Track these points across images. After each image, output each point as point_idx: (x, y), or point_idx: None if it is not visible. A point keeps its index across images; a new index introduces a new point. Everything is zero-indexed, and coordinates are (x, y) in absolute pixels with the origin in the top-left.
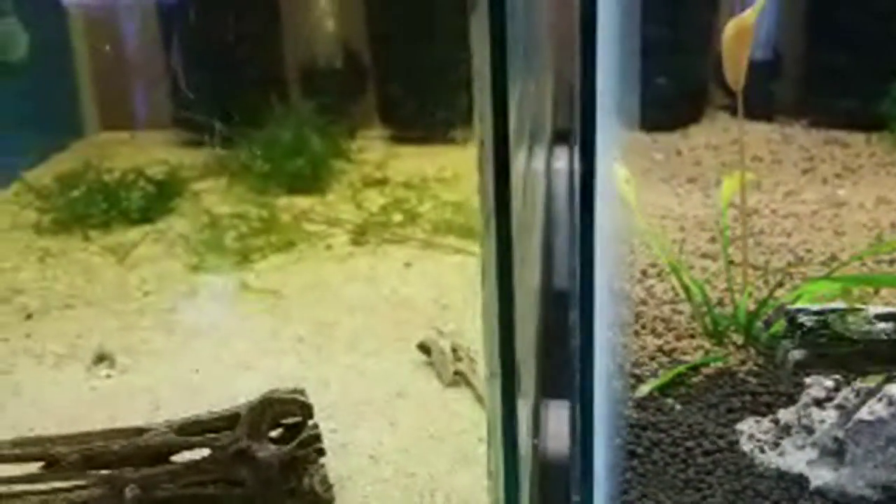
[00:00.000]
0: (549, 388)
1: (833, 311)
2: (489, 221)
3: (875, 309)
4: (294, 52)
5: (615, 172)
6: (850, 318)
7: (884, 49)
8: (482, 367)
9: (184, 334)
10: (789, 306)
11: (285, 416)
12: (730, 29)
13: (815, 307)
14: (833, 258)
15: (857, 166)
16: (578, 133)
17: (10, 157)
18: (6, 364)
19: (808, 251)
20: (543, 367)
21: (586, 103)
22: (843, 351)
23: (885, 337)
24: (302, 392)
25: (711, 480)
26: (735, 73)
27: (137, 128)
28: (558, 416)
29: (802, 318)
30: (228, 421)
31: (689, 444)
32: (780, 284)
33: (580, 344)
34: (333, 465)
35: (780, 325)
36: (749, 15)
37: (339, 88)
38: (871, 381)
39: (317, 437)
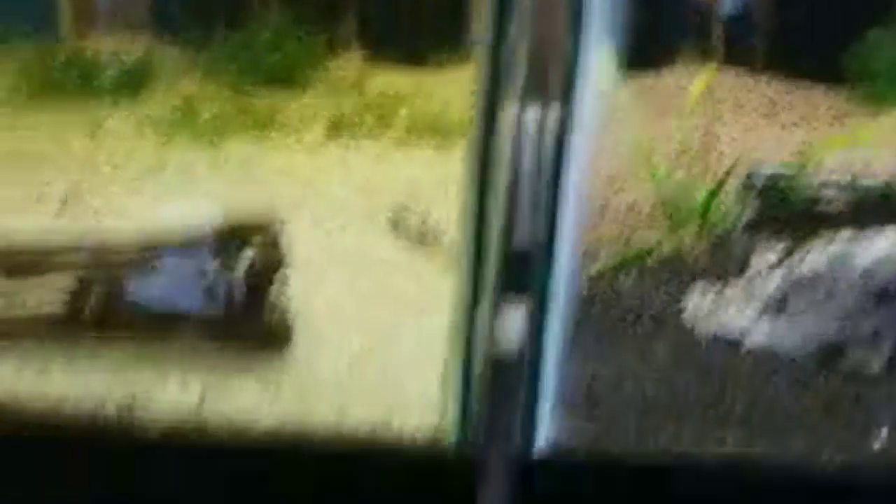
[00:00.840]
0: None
1: (783, 175)
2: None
3: (823, 176)
4: None
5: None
6: (800, 182)
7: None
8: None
9: (148, 199)
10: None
11: (252, 242)
12: None
13: (769, 169)
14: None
15: (815, 117)
16: None
17: None
18: None
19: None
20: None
21: None
22: (790, 212)
23: (830, 201)
24: (270, 220)
25: (656, 344)
26: None
27: (111, 31)
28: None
29: (755, 181)
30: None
31: (631, 316)
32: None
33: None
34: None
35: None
36: None
37: (320, 4)
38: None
39: (281, 263)
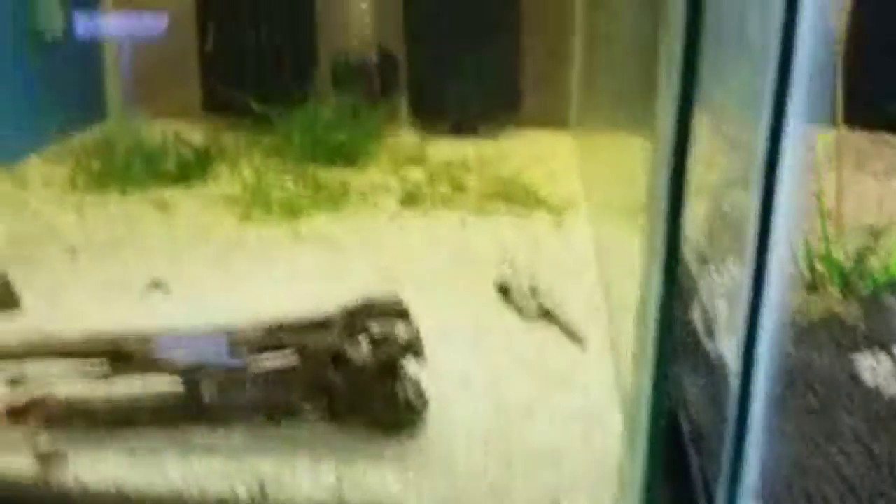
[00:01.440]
0: None
1: None
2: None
3: None
4: (329, 45)
5: None
6: None
7: None
8: (565, 304)
9: (240, 272)
10: None
11: (380, 318)
12: None
13: None
14: None
15: None
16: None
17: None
18: (52, 292)
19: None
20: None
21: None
22: None
23: None
24: (398, 298)
25: (839, 409)
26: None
27: (164, 114)
28: None
29: None
30: (321, 325)
31: (809, 377)
32: (878, 237)
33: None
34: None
35: (880, 278)
36: None
37: (372, 81)
38: None
39: (416, 340)
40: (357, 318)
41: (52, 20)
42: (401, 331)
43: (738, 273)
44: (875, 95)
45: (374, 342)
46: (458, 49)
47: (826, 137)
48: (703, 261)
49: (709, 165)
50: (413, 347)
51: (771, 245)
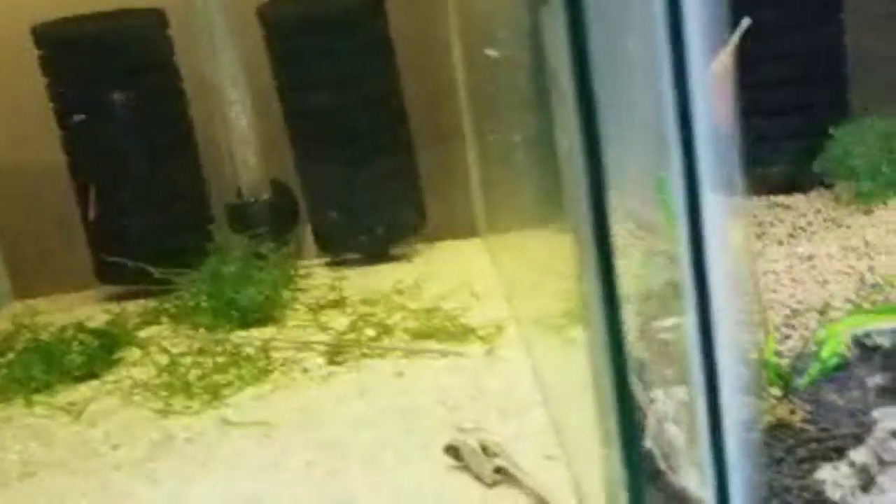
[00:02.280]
0: None
1: None
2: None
3: None
4: (218, 187)
5: None
6: None
7: (808, 110)
8: (521, 460)
9: (172, 482)
10: (854, 332)
11: None
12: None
13: (888, 326)
14: (828, 305)
15: (807, 224)
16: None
17: None
18: None
19: (800, 302)
20: None
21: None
22: None
23: None
24: None
25: None
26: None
27: (56, 292)
28: None
29: (879, 340)
30: None
31: (775, 502)
32: (812, 330)
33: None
34: None
35: (814, 371)
36: (727, 51)
37: (271, 219)
38: None
39: None
40: None
41: None
42: None
43: (684, 392)
44: (757, 160)
45: None
46: (353, 173)
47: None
48: (647, 381)
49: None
50: None
51: (717, 354)
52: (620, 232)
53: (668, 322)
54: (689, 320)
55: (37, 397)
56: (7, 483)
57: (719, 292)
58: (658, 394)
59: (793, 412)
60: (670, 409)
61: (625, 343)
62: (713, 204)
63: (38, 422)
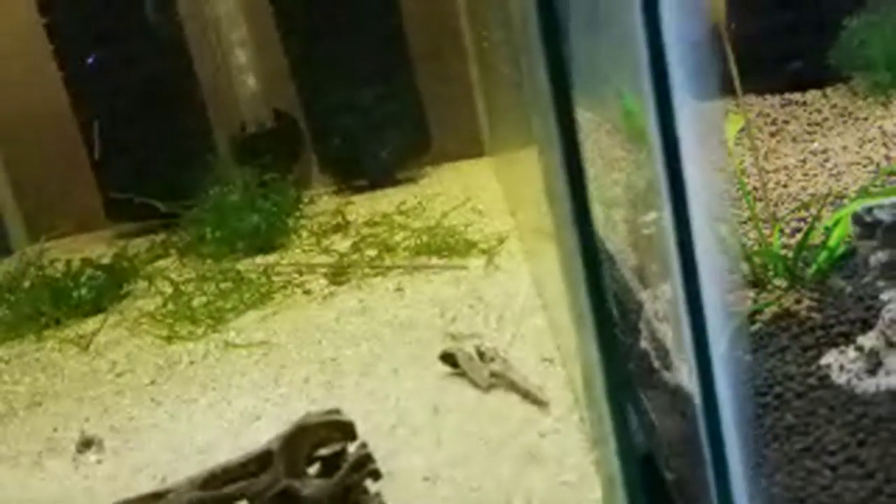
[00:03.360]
0: None
1: None
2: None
3: None
4: (222, 124)
5: None
6: None
7: (821, 1)
8: (519, 365)
9: (173, 403)
10: (856, 211)
11: (324, 442)
12: None
13: (889, 201)
14: (840, 196)
15: (822, 120)
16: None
17: None
18: None
19: (812, 195)
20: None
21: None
22: None
23: None
24: (337, 412)
25: (818, 420)
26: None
27: (68, 233)
28: None
29: (879, 215)
30: (260, 462)
31: (777, 389)
32: (818, 219)
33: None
34: (386, 496)
35: (822, 260)
36: None
37: (274, 148)
38: None
39: (367, 458)
40: (298, 446)
41: None
42: (349, 451)
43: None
44: (771, 58)
45: (323, 471)
46: (357, 99)
47: (738, 117)
48: (642, 282)
49: (608, 171)
50: (366, 467)
51: (694, 245)
52: (607, 140)
53: (650, 217)
54: (665, 213)
55: (46, 332)
56: (14, 412)
57: (695, 186)
58: (649, 293)
59: (798, 302)
60: (660, 307)
61: (590, 222)
62: (686, 102)
63: (48, 355)
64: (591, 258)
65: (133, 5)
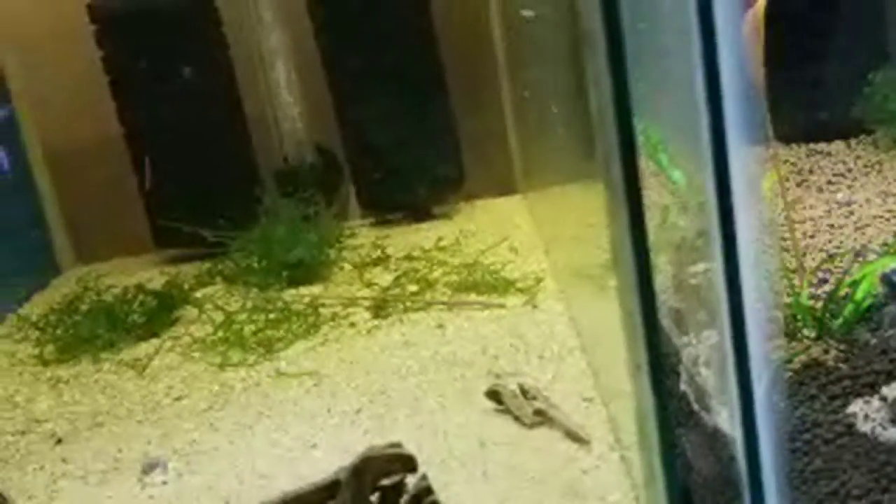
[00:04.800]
0: None
1: None
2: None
3: None
4: (265, 152)
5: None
6: None
7: (847, 56)
8: (560, 403)
9: (231, 429)
10: (885, 271)
11: (387, 473)
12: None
13: None
14: (865, 249)
15: (846, 171)
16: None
17: None
18: (47, 492)
19: (838, 247)
20: None
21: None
22: None
23: None
24: (399, 445)
25: (843, 466)
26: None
27: (115, 257)
28: None
29: None
30: (329, 490)
31: (806, 436)
32: (846, 273)
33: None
34: None
35: (848, 313)
36: (760, 5)
37: (316, 181)
38: None
39: (427, 491)
40: (364, 476)
41: None
42: (410, 482)
43: (715, 335)
44: (798, 108)
45: (386, 500)
46: (395, 134)
47: (772, 175)
48: (681, 327)
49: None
50: (425, 498)
51: (744, 298)
52: (655, 184)
53: (699, 267)
54: (717, 264)
55: (103, 354)
56: (78, 433)
57: (745, 235)
58: (690, 338)
59: (826, 352)
60: (702, 353)
61: (651, 278)
62: (739, 152)
63: (105, 377)
64: (650, 310)
65: (189, 40)
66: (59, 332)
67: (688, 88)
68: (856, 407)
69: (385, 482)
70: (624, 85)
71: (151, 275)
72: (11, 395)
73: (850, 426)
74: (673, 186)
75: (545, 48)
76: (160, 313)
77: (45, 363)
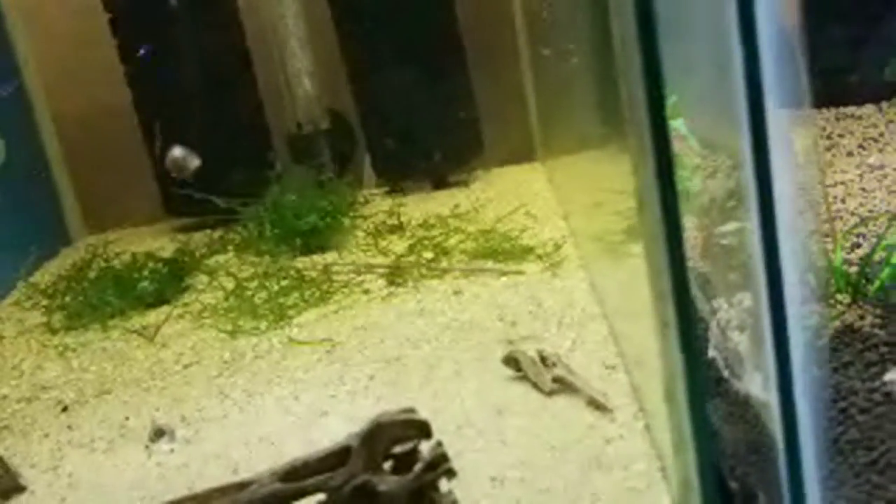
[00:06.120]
0: None
1: None
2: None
3: None
4: (279, 122)
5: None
6: None
7: (878, 18)
8: (582, 370)
9: (241, 396)
10: None
11: (400, 440)
12: None
13: None
14: None
15: (878, 135)
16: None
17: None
18: (52, 459)
19: (871, 211)
20: None
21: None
22: None
23: None
24: (412, 410)
25: (882, 436)
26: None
27: (126, 225)
28: None
29: None
30: (339, 457)
31: (841, 404)
32: (880, 237)
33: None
34: (456, 494)
35: (884, 276)
36: None
37: (329, 148)
38: None
39: (443, 457)
40: (375, 443)
41: None
42: (424, 449)
43: (749, 300)
44: (828, 71)
45: (399, 467)
46: (411, 100)
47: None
48: (710, 291)
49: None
50: (440, 465)
51: (781, 257)
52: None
53: (730, 227)
54: (752, 223)
55: (112, 322)
56: (85, 399)
57: (782, 198)
58: (720, 302)
59: (862, 317)
60: (733, 317)
61: (683, 243)
62: (775, 114)
63: (114, 345)
64: (679, 263)
65: (199, 4)
66: (67, 299)
67: (714, 49)
68: (893, 374)
69: (398, 449)
70: (653, 32)
71: (162, 243)
72: (18, 363)
73: (889, 394)
74: (690, 150)
75: (567, 11)
76: (171, 281)
77: (54, 331)
